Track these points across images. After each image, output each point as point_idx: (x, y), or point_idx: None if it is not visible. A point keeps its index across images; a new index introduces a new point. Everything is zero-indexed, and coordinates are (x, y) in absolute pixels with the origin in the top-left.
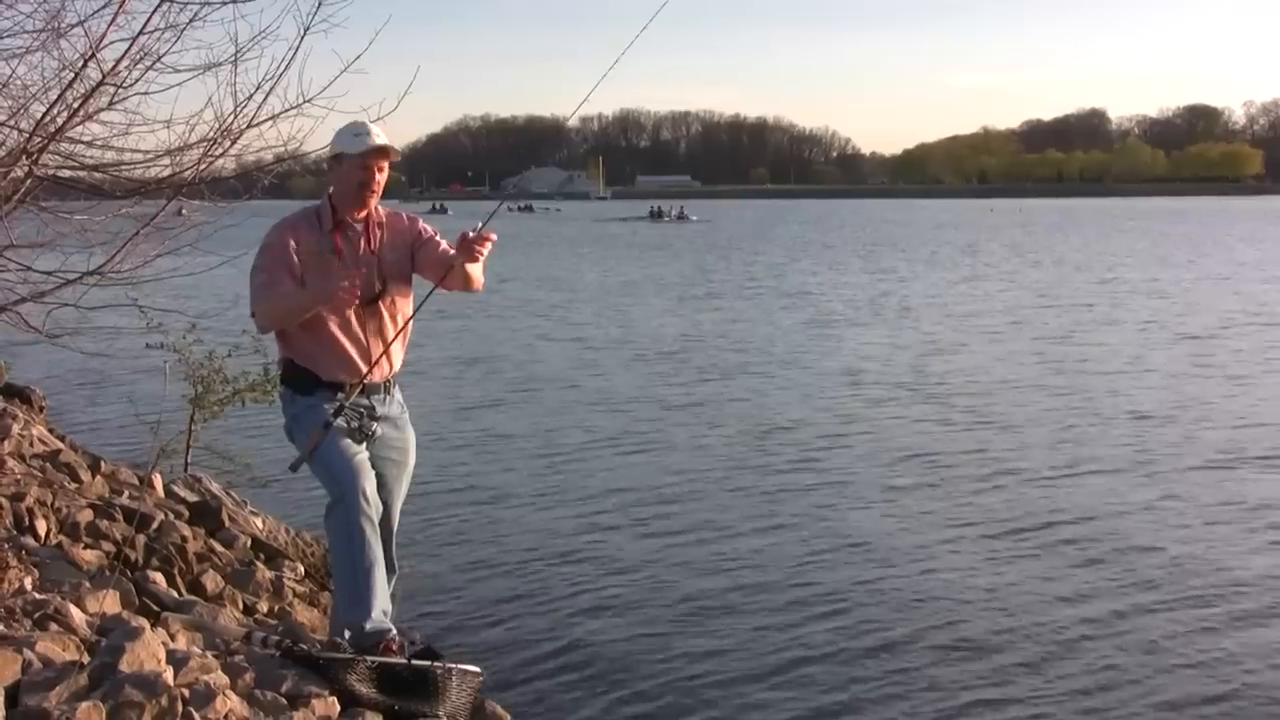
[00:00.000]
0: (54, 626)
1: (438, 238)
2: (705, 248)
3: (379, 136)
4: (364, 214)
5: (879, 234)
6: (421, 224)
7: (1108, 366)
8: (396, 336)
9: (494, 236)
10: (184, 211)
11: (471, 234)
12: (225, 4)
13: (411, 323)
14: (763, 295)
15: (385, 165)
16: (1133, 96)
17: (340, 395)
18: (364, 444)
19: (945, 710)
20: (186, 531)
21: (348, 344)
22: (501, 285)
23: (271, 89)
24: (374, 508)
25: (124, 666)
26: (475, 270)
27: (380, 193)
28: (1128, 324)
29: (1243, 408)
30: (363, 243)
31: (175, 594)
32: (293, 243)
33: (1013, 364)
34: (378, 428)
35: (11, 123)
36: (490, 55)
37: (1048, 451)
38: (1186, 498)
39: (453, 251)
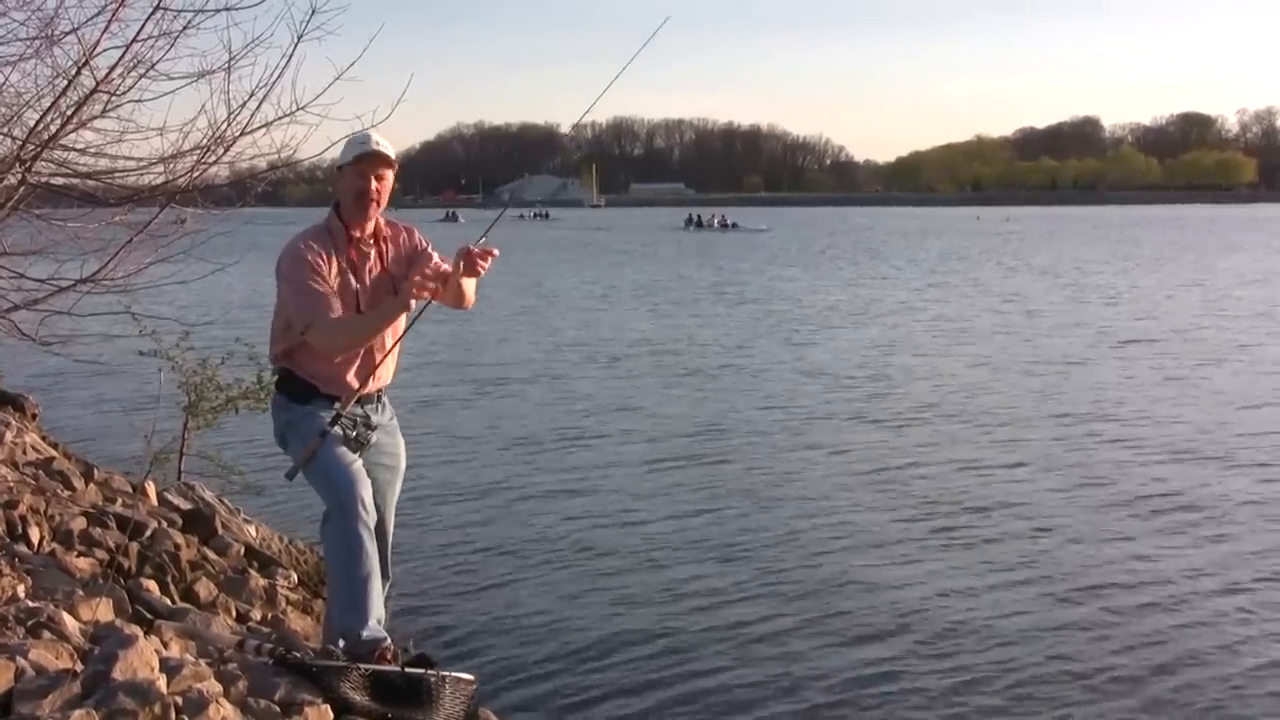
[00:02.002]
0: (47, 634)
1: (431, 250)
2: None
3: (378, 144)
4: (370, 227)
5: (860, 243)
6: (419, 235)
7: (1053, 368)
8: (393, 348)
9: (496, 252)
10: (185, 219)
11: (474, 248)
12: (219, 11)
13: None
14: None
15: (385, 174)
16: (1126, 104)
17: (336, 404)
18: (359, 452)
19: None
20: (180, 539)
21: (355, 357)
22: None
23: (265, 96)
24: (371, 515)
25: (117, 674)
26: (470, 287)
27: (382, 203)
28: (1082, 329)
29: (1175, 410)
30: (374, 258)
31: (168, 602)
32: (322, 257)
33: (960, 366)
34: (373, 436)
35: (5, 130)
36: (484, 62)
37: (986, 448)
38: (1103, 491)
39: (445, 265)
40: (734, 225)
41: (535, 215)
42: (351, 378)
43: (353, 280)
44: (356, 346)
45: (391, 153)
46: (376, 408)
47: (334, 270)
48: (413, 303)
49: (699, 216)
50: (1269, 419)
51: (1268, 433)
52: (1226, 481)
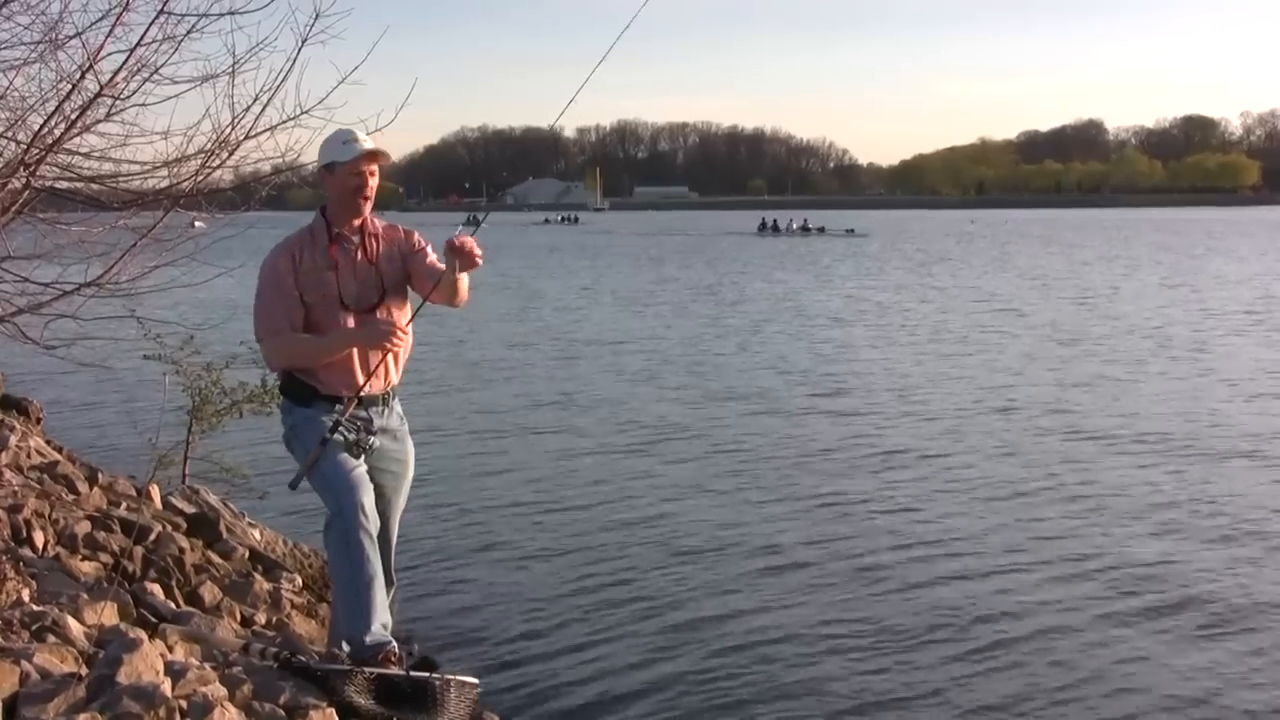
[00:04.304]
0: (52, 638)
1: (429, 249)
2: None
3: (368, 141)
4: (359, 222)
5: (845, 245)
6: (416, 236)
7: (1010, 361)
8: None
9: (462, 240)
10: (198, 224)
11: (457, 241)
12: (223, 15)
13: (412, 336)
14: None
15: (376, 169)
16: (1130, 107)
17: (338, 407)
18: (361, 457)
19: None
20: (184, 543)
21: (349, 356)
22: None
23: (269, 100)
24: (372, 522)
25: (122, 678)
26: (462, 283)
27: (374, 197)
28: (1048, 328)
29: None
30: (359, 253)
31: (173, 605)
32: (291, 265)
33: (919, 361)
34: (375, 440)
35: (9, 134)
36: (488, 66)
37: (941, 439)
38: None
39: (441, 265)
40: (819, 229)
41: (563, 219)
42: (350, 377)
43: (333, 277)
44: (302, 365)
45: (381, 147)
46: (381, 411)
47: (306, 270)
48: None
49: (774, 220)
50: (1209, 413)
51: (1210, 425)
52: (1151, 471)
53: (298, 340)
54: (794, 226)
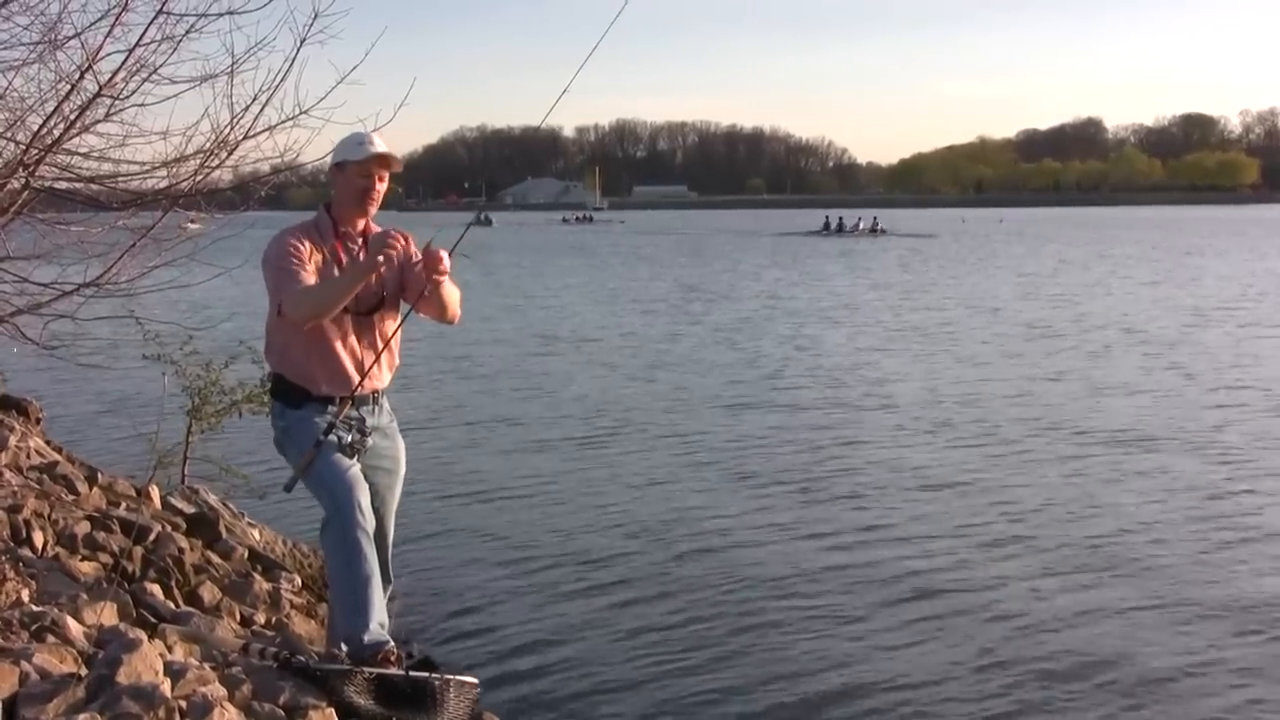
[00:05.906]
0: (51, 638)
1: None
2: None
3: (382, 145)
4: (363, 225)
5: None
6: (413, 245)
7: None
8: (384, 350)
9: (441, 252)
10: (191, 224)
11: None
12: (222, 15)
13: (399, 340)
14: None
15: (386, 175)
16: (1129, 105)
17: (331, 409)
18: (355, 457)
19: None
20: (184, 543)
21: (344, 357)
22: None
23: (268, 100)
24: (369, 521)
25: (122, 678)
26: (451, 297)
27: (379, 202)
28: (1013, 324)
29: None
30: (361, 256)
31: (173, 605)
32: (305, 243)
33: (883, 356)
34: (370, 440)
35: (8, 135)
36: (487, 66)
37: (901, 434)
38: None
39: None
40: (883, 230)
41: (578, 218)
42: (344, 378)
43: (336, 271)
44: (330, 308)
45: (395, 156)
46: (373, 410)
47: (318, 260)
48: (408, 303)
49: (840, 220)
50: (1173, 407)
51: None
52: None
53: (316, 285)
54: (861, 226)
